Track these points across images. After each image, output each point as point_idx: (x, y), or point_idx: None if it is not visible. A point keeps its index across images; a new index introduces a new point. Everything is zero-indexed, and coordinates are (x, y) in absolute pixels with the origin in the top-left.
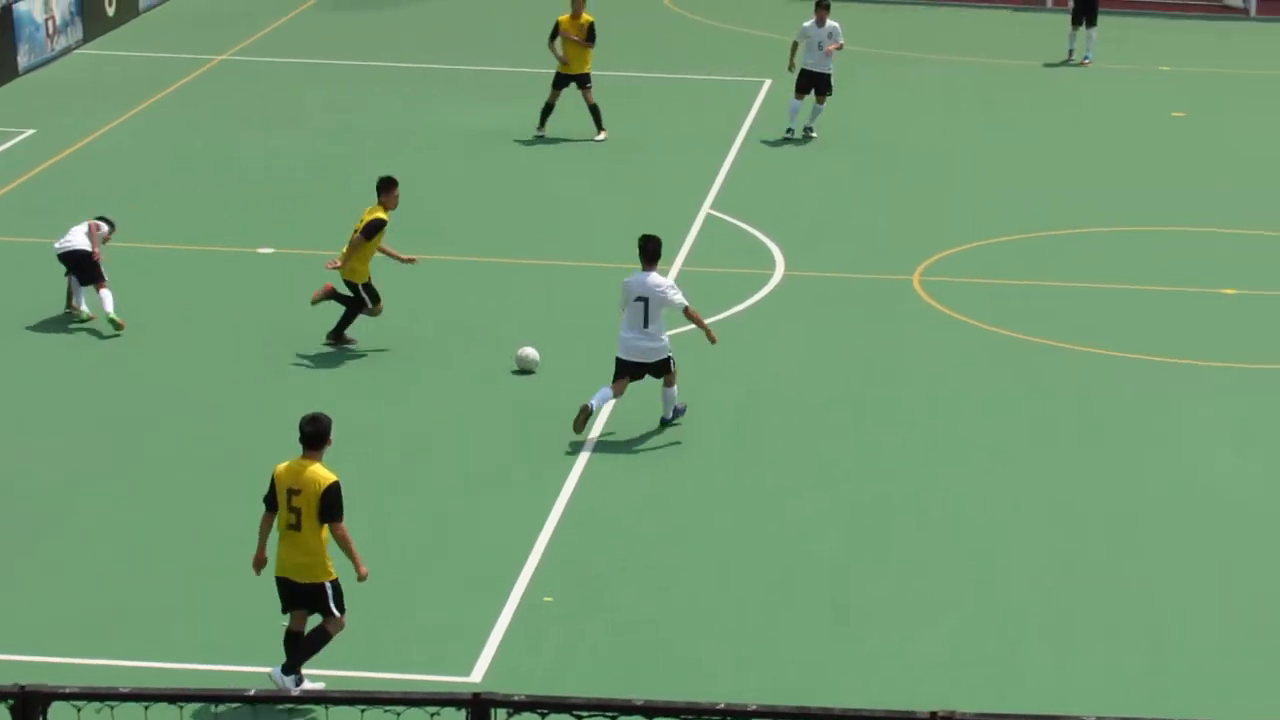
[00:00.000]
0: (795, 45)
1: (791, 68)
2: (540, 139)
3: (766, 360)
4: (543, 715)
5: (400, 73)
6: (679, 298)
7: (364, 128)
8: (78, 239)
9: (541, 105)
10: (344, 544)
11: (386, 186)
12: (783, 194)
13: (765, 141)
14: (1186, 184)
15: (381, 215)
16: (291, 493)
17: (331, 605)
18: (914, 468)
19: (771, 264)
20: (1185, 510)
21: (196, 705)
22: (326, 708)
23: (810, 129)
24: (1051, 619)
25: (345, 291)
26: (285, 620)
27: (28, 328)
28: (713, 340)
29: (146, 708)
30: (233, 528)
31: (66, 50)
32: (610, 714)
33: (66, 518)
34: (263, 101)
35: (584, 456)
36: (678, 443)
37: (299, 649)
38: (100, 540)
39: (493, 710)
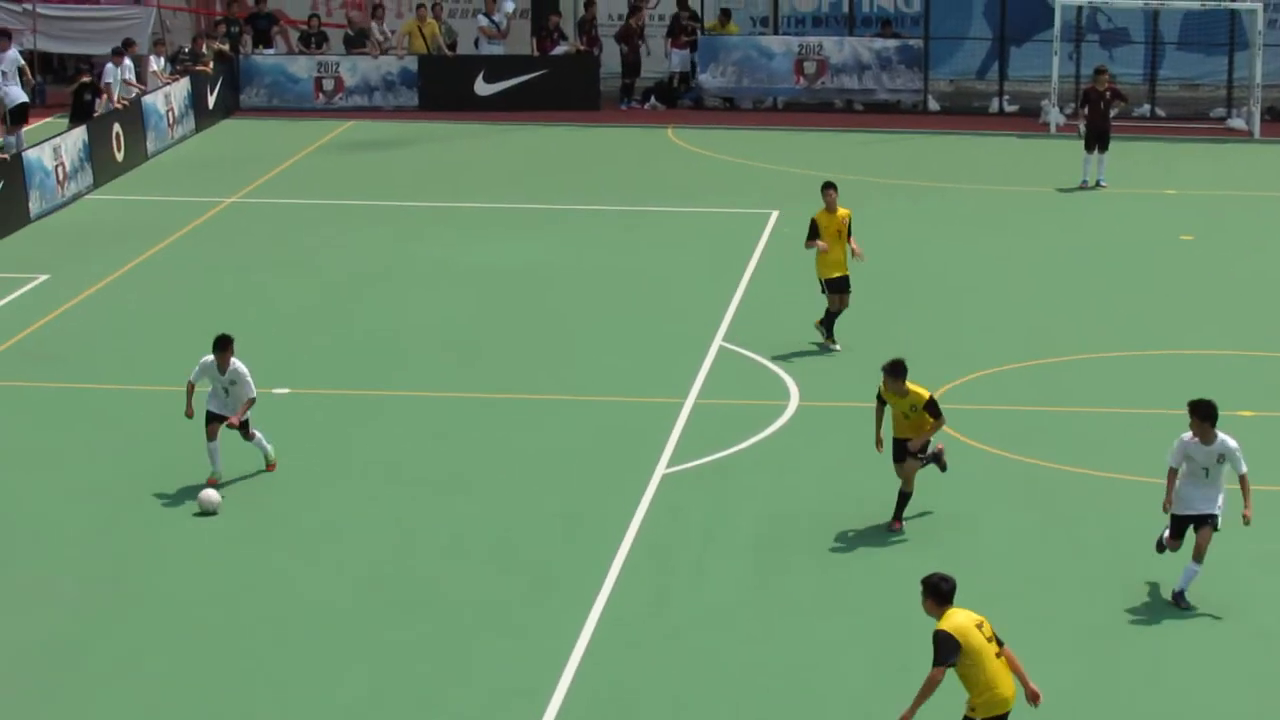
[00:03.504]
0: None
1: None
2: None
3: (787, 490)
4: None
5: (400, 211)
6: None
7: (366, 267)
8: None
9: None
10: (1013, 664)
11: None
12: (793, 324)
13: (775, 271)
14: (1198, 306)
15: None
16: (979, 626)
17: None
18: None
19: (786, 395)
20: None
21: None
22: None
23: None
24: None
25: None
26: None
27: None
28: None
29: None
30: None
31: (77, 196)
32: None
33: None
34: (271, 243)
35: (603, 595)
36: (701, 574)
37: None
38: None
39: None
